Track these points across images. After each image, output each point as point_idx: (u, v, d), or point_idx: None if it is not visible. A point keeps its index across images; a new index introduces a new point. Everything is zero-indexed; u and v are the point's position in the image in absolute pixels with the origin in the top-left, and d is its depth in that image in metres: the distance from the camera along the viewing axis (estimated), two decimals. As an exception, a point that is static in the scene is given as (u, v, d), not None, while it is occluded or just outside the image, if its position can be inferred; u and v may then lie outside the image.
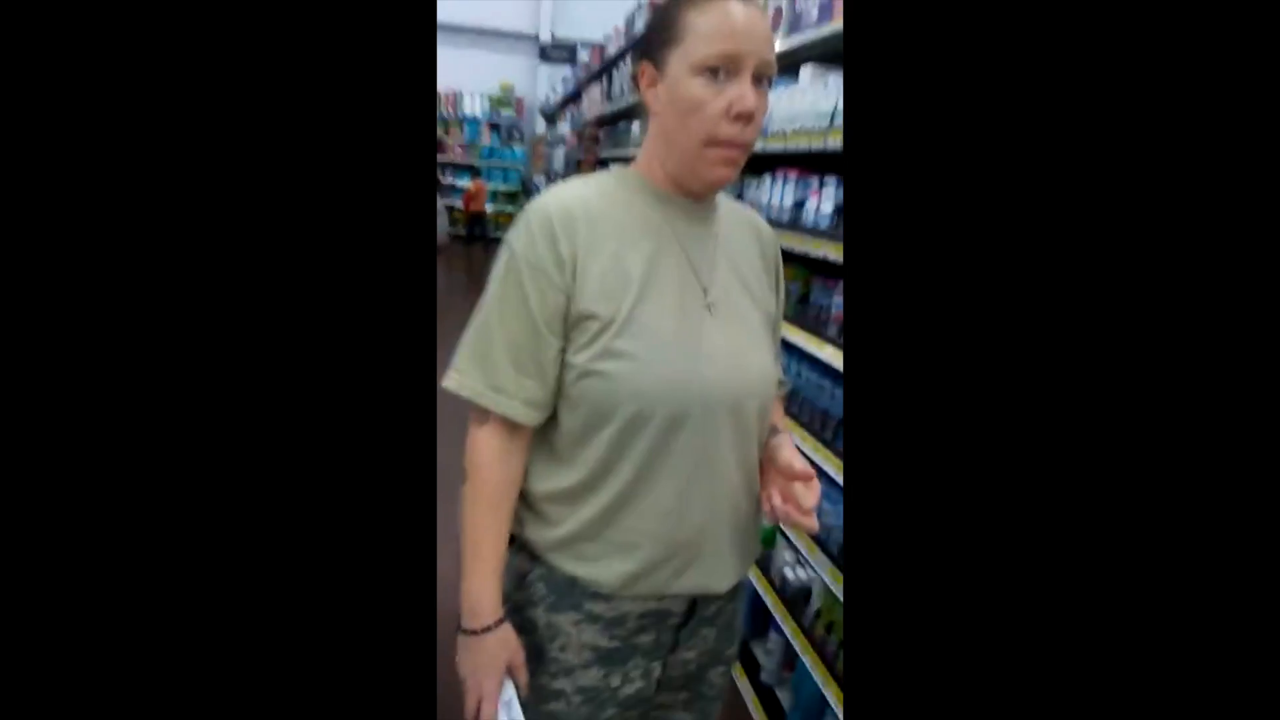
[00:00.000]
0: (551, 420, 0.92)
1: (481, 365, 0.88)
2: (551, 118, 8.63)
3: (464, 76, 10.27)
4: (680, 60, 0.84)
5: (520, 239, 0.87)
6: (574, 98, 6.76)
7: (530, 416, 0.89)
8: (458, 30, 9.96)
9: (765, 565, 1.98)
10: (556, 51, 10.00)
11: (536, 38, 10.23)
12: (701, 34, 0.83)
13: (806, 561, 1.83)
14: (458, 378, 0.89)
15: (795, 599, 1.79)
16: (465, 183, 10.38)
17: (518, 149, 10.44)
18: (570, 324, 0.87)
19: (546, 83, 9.96)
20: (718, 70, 0.83)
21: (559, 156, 7.01)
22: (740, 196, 2.26)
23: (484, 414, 0.89)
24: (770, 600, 1.88)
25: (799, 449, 1.83)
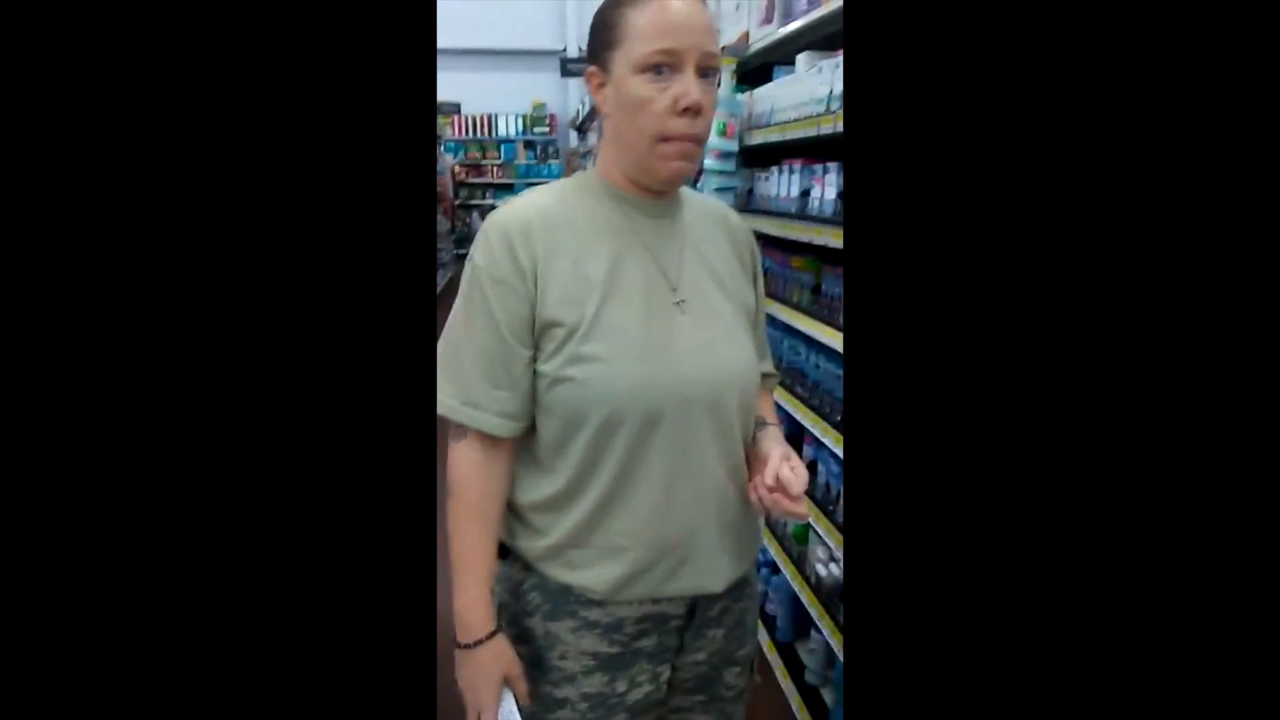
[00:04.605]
0: (531, 430, 0.92)
1: (454, 381, 0.89)
2: (582, 129, 8.70)
3: (497, 98, 10.45)
4: (623, 61, 0.84)
5: (480, 253, 0.88)
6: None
7: (506, 428, 0.89)
8: (488, 54, 10.13)
9: (801, 563, 1.94)
10: (577, 65, 10.07)
11: (563, 52, 10.35)
12: (640, 33, 0.82)
13: (838, 558, 1.79)
14: None
15: (831, 596, 1.75)
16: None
17: (554, 164, 10.56)
18: (538, 333, 0.87)
19: (576, 97, 10.04)
20: (660, 67, 0.82)
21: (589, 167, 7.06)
22: (750, 192, 2.24)
23: (461, 429, 0.90)
24: (807, 599, 1.84)
25: (813, 435, 1.76)
